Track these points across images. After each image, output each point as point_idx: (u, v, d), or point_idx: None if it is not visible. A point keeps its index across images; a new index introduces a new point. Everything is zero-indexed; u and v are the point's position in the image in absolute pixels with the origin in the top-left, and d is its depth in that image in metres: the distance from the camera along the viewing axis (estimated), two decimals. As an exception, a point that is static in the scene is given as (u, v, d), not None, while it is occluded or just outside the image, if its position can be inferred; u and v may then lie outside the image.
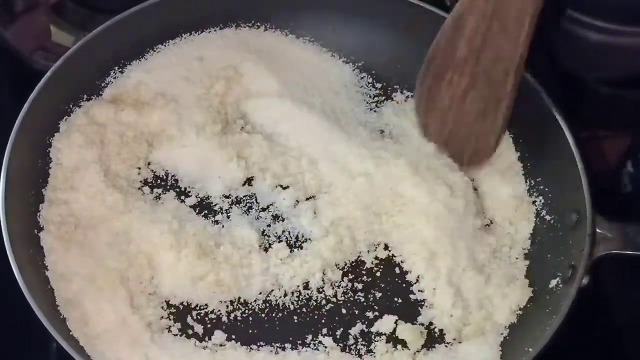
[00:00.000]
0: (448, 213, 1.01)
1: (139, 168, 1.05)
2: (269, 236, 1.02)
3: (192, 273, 0.96)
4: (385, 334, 0.98)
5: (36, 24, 1.19)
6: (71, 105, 1.05)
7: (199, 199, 1.04)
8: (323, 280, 1.00)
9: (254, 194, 1.05)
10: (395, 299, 1.00)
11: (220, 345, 0.95)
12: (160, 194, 1.04)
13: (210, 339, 0.96)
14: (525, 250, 1.04)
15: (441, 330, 0.99)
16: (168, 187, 1.05)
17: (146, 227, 0.98)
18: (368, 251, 1.03)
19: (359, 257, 1.02)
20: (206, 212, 1.04)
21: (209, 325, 0.96)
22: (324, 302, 0.99)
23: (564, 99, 1.14)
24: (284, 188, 1.05)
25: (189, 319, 0.96)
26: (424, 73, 1.03)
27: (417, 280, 1.01)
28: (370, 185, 1.03)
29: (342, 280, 1.01)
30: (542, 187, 1.07)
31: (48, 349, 0.99)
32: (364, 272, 1.02)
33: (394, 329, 0.98)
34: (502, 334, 0.98)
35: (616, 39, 1.18)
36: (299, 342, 0.97)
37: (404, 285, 1.01)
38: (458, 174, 1.05)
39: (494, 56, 0.95)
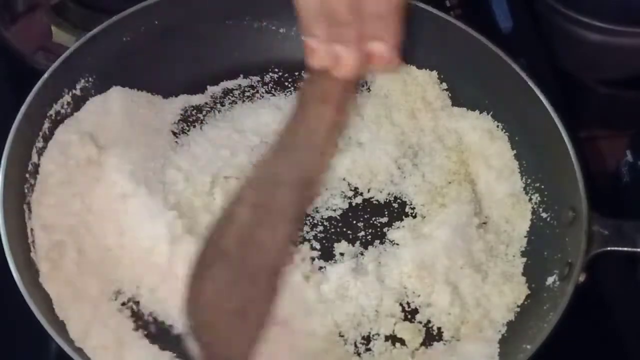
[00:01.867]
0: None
1: None
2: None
3: None
4: (383, 333, 0.98)
5: (37, 24, 1.19)
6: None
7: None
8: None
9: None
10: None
11: None
12: None
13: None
14: (522, 248, 1.04)
15: (439, 329, 0.99)
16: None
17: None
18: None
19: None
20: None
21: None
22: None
23: (563, 98, 1.15)
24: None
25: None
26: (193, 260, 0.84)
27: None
28: None
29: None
30: (538, 184, 1.07)
31: (48, 350, 0.99)
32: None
33: (393, 328, 0.98)
34: (499, 331, 0.98)
35: (616, 39, 1.18)
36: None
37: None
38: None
39: (259, 253, 0.83)
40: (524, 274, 1.02)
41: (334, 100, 0.85)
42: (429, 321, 0.99)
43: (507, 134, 1.10)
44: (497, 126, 1.11)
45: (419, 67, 1.16)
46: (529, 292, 1.00)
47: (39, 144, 1.01)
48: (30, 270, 0.94)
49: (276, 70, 1.17)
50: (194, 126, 1.12)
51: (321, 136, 0.85)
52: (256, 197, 0.84)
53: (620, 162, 1.13)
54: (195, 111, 1.13)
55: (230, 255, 0.82)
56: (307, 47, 0.84)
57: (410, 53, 1.15)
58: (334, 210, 1.06)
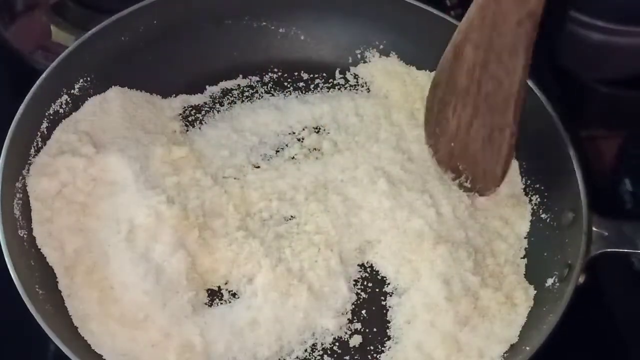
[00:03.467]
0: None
1: None
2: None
3: None
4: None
5: (36, 23, 1.19)
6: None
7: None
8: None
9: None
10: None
11: None
12: None
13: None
14: (522, 249, 1.04)
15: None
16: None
17: None
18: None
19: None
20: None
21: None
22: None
23: (563, 98, 1.15)
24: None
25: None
26: (430, 98, 1.03)
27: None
28: None
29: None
30: (538, 185, 1.07)
31: (46, 350, 0.99)
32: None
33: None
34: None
35: (616, 39, 1.18)
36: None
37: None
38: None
39: (494, 86, 0.95)
40: (524, 275, 1.02)
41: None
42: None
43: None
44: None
45: (419, 67, 1.16)
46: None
47: (38, 144, 1.01)
48: (30, 272, 0.94)
49: (275, 70, 1.17)
50: (193, 126, 1.11)
51: None
52: (480, 38, 0.93)
53: (621, 187, 1.13)
54: (194, 111, 1.13)
55: (467, 92, 0.96)
56: None
57: (411, 53, 1.15)
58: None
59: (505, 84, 0.94)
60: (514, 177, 1.08)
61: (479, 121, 0.99)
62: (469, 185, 1.05)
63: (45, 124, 1.03)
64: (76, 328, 0.93)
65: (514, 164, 1.08)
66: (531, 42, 0.91)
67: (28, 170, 0.99)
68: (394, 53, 1.17)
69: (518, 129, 0.98)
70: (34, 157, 1.01)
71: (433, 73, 1.13)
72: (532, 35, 0.90)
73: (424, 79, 1.15)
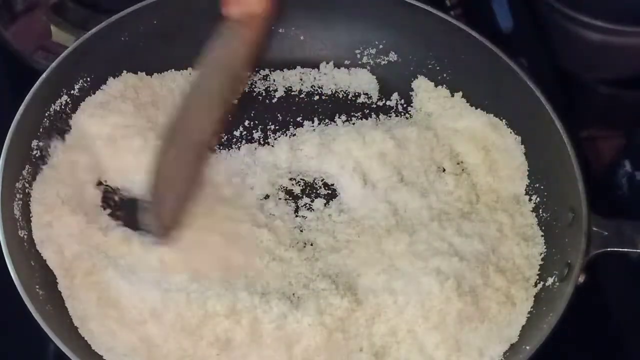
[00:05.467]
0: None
1: None
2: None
3: None
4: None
5: (36, 24, 1.19)
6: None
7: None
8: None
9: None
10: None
11: None
12: None
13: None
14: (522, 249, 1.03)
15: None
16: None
17: None
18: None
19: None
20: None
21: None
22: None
23: (563, 98, 1.15)
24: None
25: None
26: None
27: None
28: None
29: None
30: (537, 185, 1.06)
31: (46, 350, 1.00)
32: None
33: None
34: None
35: (616, 39, 1.18)
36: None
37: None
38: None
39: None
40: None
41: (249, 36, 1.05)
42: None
43: (506, 133, 1.11)
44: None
45: (419, 68, 1.16)
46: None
47: (38, 143, 1.01)
48: (29, 273, 0.94)
49: (273, 70, 1.17)
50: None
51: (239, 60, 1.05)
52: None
53: (619, 170, 1.13)
54: None
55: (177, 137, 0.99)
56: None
57: (410, 54, 1.15)
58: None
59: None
60: (518, 179, 1.08)
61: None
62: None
63: (45, 124, 1.03)
64: (76, 328, 0.93)
65: (523, 166, 1.09)
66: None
67: (28, 170, 1.00)
68: (393, 53, 1.17)
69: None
70: (36, 161, 1.01)
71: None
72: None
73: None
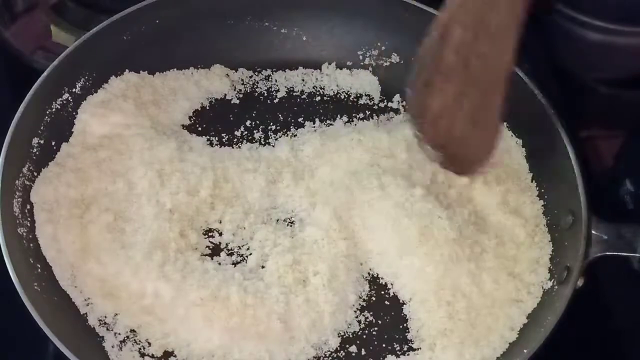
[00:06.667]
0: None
1: None
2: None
3: None
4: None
5: (36, 23, 1.19)
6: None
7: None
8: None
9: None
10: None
11: None
12: None
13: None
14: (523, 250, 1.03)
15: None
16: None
17: None
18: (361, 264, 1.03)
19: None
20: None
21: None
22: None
23: (563, 98, 1.14)
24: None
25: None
26: (414, 80, 1.02)
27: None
28: None
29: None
30: (537, 188, 1.07)
31: (45, 351, 1.00)
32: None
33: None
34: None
35: (616, 39, 1.17)
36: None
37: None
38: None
39: (482, 65, 0.95)
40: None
41: None
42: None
43: (505, 134, 1.10)
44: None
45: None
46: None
47: (39, 141, 1.02)
48: (29, 271, 0.94)
49: (276, 70, 1.17)
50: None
51: None
52: (470, 17, 0.92)
53: (622, 188, 1.12)
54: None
55: (453, 71, 0.93)
56: None
57: (412, 54, 1.15)
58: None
59: (493, 63, 0.94)
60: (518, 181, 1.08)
61: (465, 101, 0.97)
62: (456, 169, 1.04)
63: (45, 124, 1.03)
64: (76, 328, 0.94)
65: (524, 168, 1.08)
66: (520, 23, 0.92)
67: (29, 168, 1.00)
68: (395, 55, 1.17)
69: (504, 108, 0.98)
70: (35, 159, 1.01)
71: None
72: (521, 15, 0.91)
73: None
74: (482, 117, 0.97)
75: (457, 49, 0.93)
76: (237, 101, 1.14)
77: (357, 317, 0.99)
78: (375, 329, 0.99)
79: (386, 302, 1.00)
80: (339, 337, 0.97)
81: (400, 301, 1.00)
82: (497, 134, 0.98)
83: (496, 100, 0.95)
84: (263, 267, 1.00)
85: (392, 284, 1.01)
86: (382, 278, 1.02)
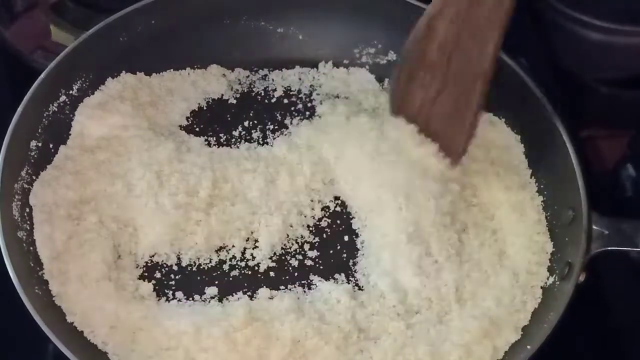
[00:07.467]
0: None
1: None
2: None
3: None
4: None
5: (36, 23, 1.19)
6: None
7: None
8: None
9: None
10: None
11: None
12: None
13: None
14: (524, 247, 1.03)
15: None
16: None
17: None
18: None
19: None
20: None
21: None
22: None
23: (563, 98, 1.15)
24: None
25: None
26: (397, 72, 1.03)
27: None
28: None
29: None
30: (537, 184, 1.06)
31: (46, 350, 0.99)
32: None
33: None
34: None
35: (616, 39, 1.18)
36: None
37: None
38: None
39: (465, 61, 0.95)
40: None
41: None
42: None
43: (506, 133, 1.10)
44: (496, 126, 1.11)
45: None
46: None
47: (37, 144, 1.02)
48: (28, 272, 0.94)
49: (272, 69, 1.17)
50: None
51: None
52: (456, 12, 0.94)
53: (621, 172, 1.12)
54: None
55: (436, 66, 0.96)
56: None
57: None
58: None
59: (475, 58, 0.95)
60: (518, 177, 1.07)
61: (445, 95, 0.99)
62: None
63: (44, 124, 1.03)
64: (76, 328, 0.93)
65: (523, 164, 1.08)
66: (506, 22, 0.92)
67: (27, 171, 1.00)
68: (392, 52, 1.16)
69: (484, 103, 0.99)
70: (35, 161, 1.01)
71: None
72: (509, 9, 0.92)
73: None
74: (460, 112, 0.98)
75: (441, 45, 0.94)
76: (235, 101, 1.14)
77: None
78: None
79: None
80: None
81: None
82: (473, 128, 1.00)
83: (476, 93, 0.96)
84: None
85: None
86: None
